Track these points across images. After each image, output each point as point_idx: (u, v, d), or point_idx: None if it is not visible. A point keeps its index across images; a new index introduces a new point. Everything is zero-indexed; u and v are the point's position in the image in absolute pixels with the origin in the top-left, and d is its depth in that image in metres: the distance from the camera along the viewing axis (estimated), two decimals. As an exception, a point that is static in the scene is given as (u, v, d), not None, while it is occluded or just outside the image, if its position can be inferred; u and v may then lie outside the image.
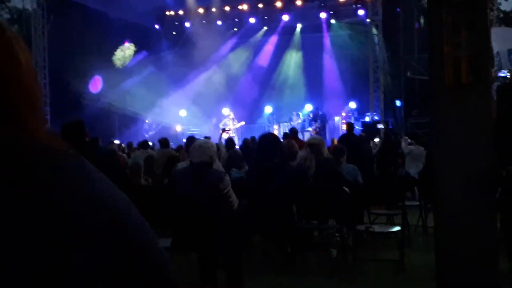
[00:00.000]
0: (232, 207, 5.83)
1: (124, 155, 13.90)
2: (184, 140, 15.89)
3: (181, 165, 7.39)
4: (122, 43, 24.26)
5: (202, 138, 9.46)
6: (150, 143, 15.68)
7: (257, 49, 26.92)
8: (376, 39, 20.65)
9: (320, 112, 22.74)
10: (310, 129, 22.49)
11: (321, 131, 21.86)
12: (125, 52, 24.62)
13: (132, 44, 24.79)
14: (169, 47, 27.46)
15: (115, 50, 23.88)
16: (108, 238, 0.99)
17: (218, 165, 7.22)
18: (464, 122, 4.41)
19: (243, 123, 23.56)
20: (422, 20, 23.11)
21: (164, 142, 12.89)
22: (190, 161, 5.92)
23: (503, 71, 18.00)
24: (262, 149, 7.19)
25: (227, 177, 5.82)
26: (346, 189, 7.22)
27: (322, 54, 25.74)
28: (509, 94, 4.53)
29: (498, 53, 19.15)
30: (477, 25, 4.37)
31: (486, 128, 4.40)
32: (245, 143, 14.10)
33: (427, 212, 8.82)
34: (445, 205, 4.57)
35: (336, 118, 23.45)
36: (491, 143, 4.38)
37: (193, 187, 5.56)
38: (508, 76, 17.32)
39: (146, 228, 1.08)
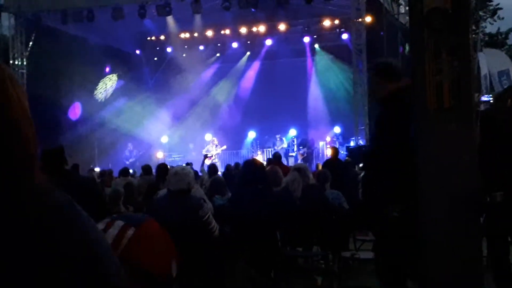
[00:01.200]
0: (213, 233, 5.75)
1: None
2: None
3: (163, 192, 7.28)
4: (102, 68, 23.98)
5: (183, 165, 9.35)
6: (131, 171, 15.45)
7: (241, 74, 26.83)
8: (360, 63, 20.64)
9: (310, 138, 22.74)
10: (293, 154, 22.45)
11: (308, 156, 21.82)
12: (107, 84, 24.40)
13: (114, 75, 24.60)
14: (151, 72, 27.30)
15: (95, 75, 23.33)
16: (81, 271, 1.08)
17: (200, 192, 7.13)
18: (446, 146, 4.37)
19: (225, 147, 23.50)
20: (407, 45, 23.24)
21: (147, 168, 12.73)
22: (167, 189, 5.86)
23: (486, 95, 18.07)
24: (245, 175, 7.11)
25: (207, 204, 5.76)
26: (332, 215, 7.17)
27: (306, 78, 25.76)
28: (491, 122, 4.48)
29: (487, 75, 19.19)
30: (459, 50, 4.34)
31: (469, 153, 4.36)
32: (227, 169, 13.98)
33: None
34: (429, 229, 4.50)
35: (321, 143, 23.42)
36: (474, 167, 4.34)
37: (172, 214, 5.45)
38: (491, 101, 17.41)
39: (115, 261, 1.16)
